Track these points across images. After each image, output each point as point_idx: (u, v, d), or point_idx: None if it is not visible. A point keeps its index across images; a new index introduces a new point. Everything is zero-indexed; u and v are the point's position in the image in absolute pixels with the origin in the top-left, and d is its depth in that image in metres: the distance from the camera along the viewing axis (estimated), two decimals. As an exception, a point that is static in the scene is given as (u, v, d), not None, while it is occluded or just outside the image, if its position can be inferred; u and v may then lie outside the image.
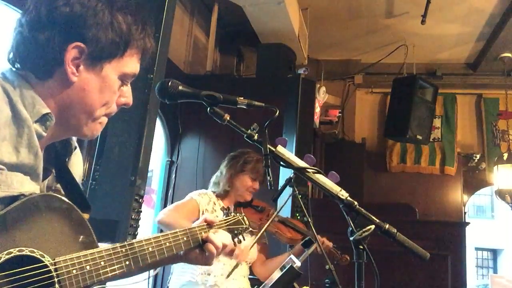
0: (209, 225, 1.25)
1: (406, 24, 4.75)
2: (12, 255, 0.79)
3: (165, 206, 3.95)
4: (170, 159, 4.02)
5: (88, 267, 0.88)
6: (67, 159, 1.03)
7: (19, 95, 0.86)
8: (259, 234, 2.32)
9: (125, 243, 0.98)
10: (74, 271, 0.86)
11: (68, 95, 0.92)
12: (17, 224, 0.82)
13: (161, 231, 3.87)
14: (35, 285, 0.81)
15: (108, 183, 2.00)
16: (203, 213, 2.40)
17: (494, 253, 17.57)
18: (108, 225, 1.93)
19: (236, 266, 2.28)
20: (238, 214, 1.37)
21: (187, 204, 2.40)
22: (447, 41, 5.08)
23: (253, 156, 2.51)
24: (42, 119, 0.88)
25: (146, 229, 3.74)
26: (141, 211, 2.08)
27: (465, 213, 5.56)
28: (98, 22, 0.91)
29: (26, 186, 0.86)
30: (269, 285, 1.76)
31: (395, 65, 5.30)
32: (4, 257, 0.78)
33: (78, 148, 1.07)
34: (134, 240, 1.02)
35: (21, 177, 0.85)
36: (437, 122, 5.43)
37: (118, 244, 0.96)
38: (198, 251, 1.22)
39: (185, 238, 1.15)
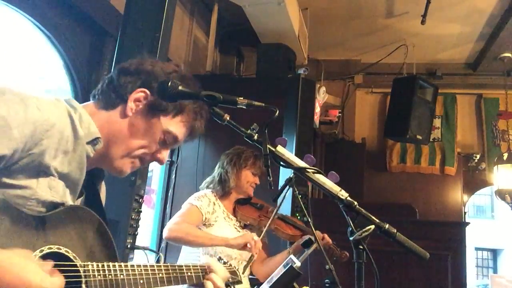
0: (209, 267, 1.32)
1: (406, 24, 4.74)
2: (52, 250, 0.91)
3: (165, 206, 3.95)
4: (170, 159, 4.02)
5: (110, 277, 1.00)
6: (98, 186, 1.19)
7: (78, 118, 1.02)
8: (264, 232, 2.33)
9: (143, 264, 1.11)
10: (99, 277, 0.98)
11: (119, 126, 1.09)
12: (57, 226, 0.95)
13: (160, 238, 3.87)
14: (65, 280, 0.90)
15: (108, 183, 2.00)
16: (205, 216, 2.40)
17: (494, 253, 17.58)
18: (108, 226, 1.93)
19: (251, 259, 2.28)
20: (234, 267, 1.45)
21: (189, 212, 2.39)
22: (447, 41, 5.08)
23: (249, 152, 2.54)
24: (93, 142, 1.04)
25: (146, 229, 3.74)
26: (141, 211, 2.08)
27: (465, 213, 5.56)
28: (167, 84, 1.09)
29: (67, 197, 1.00)
30: (269, 285, 1.76)
31: (395, 65, 5.30)
32: (46, 250, 0.90)
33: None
34: (152, 264, 1.15)
35: (65, 187, 0.99)
36: (437, 122, 5.43)
37: (136, 264, 1.09)
38: None
39: (189, 273, 1.24)
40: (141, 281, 1.07)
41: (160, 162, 1.16)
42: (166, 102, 1.10)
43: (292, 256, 1.86)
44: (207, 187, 2.57)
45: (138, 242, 2.15)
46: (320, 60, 5.55)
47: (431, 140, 5.20)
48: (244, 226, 2.54)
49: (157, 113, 1.11)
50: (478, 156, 5.41)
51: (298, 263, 1.78)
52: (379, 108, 5.73)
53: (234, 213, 2.53)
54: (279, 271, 1.76)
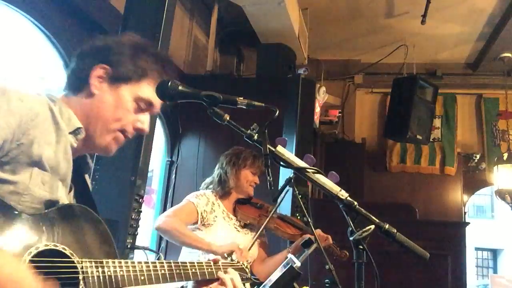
0: (215, 263, 1.29)
1: (406, 24, 4.74)
2: (48, 247, 0.91)
3: (165, 206, 3.95)
4: (170, 159, 4.01)
5: (108, 273, 0.99)
6: (85, 175, 1.20)
7: (58, 110, 1.04)
8: (260, 230, 2.34)
9: (145, 261, 1.10)
10: (97, 273, 0.97)
11: (90, 106, 1.10)
12: (53, 224, 0.94)
13: (161, 238, 3.87)
14: (62, 276, 0.91)
15: (108, 183, 2.00)
16: (201, 215, 2.41)
17: (494, 253, 17.57)
18: (108, 225, 1.93)
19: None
20: (242, 263, 1.40)
21: (184, 208, 2.39)
22: (447, 41, 5.08)
23: (248, 152, 2.55)
24: (75, 132, 1.06)
25: (146, 229, 3.74)
26: (141, 211, 2.08)
27: (465, 213, 5.56)
28: (122, 53, 1.13)
29: (60, 191, 1.01)
30: (269, 285, 1.76)
31: (395, 65, 5.30)
32: (42, 247, 0.90)
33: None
34: (154, 261, 1.13)
35: (58, 182, 1.00)
36: (437, 122, 5.43)
37: (137, 261, 1.08)
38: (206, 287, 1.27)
39: (193, 270, 1.21)
40: (142, 278, 1.05)
41: (142, 130, 1.16)
42: (126, 70, 1.12)
43: (292, 256, 1.86)
44: (207, 187, 2.58)
45: (138, 242, 2.14)
46: (320, 60, 5.55)
47: (431, 140, 5.20)
48: (244, 226, 2.55)
49: (121, 83, 1.12)
50: (478, 156, 5.42)
51: (298, 263, 1.78)
52: (379, 108, 5.73)
53: (234, 212, 2.54)
54: (279, 271, 1.76)
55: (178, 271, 1.15)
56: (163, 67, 1.18)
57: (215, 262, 1.28)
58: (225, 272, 1.28)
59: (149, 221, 3.88)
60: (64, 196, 1.04)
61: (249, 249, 2.33)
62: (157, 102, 1.18)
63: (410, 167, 5.46)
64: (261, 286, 1.84)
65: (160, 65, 1.17)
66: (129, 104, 1.13)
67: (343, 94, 5.68)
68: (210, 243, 2.28)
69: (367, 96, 5.77)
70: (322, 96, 4.77)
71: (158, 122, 3.77)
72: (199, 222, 2.41)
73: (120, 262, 1.02)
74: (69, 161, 1.05)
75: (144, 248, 2.38)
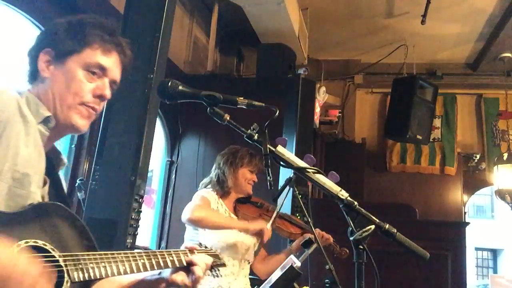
0: (191, 251, 1.31)
1: (406, 24, 4.74)
2: (28, 244, 0.90)
3: (165, 206, 3.95)
4: (170, 159, 4.02)
5: (91, 265, 1.00)
6: (58, 171, 1.19)
7: (25, 102, 1.04)
8: (271, 221, 2.37)
9: (123, 251, 1.11)
10: (80, 266, 0.97)
11: (46, 90, 1.11)
12: (29, 223, 0.94)
13: (160, 238, 3.86)
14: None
15: (108, 183, 2.00)
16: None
17: (494, 253, 17.57)
18: (108, 225, 1.93)
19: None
20: (216, 250, 1.43)
21: (202, 201, 2.42)
22: (447, 41, 5.08)
23: (245, 150, 2.56)
24: (45, 121, 1.06)
25: (146, 229, 3.74)
26: (141, 211, 2.08)
27: (465, 213, 5.56)
28: (58, 31, 1.13)
29: (32, 186, 1.00)
30: (269, 285, 1.76)
31: (395, 65, 5.30)
32: (23, 244, 0.89)
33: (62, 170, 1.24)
34: (133, 251, 1.15)
35: (29, 176, 0.99)
36: (437, 122, 5.43)
37: (116, 252, 1.08)
38: (183, 273, 1.27)
39: (171, 258, 1.23)
40: (123, 268, 1.07)
41: (102, 96, 1.14)
42: (66, 45, 1.12)
43: (292, 256, 1.86)
44: (205, 187, 2.58)
45: (138, 242, 2.14)
46: (320, 60, 5.55)
47: (431, 140, 5.20)
48: (245, 225, 2.56)
49: (66, 58, 1.12)
50: (478, 156, 5.41)
51: (298, 263, 1.78)
52: (379, 108, 5.73)
53: (234, 212, 2.54)
54: (279, 271, 1.76)
55: (156, 259, 1.18)
56: (103, 29, 1.16)
57: (191, 250, 1.31)
58: (189, 261, 1.30)
59: (149, 221, 3.89)
60: (38, 191, 1.03)
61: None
62: (110, 64, 1.16)
63: (410, 167, 5.46)
64: (262, 286, 1.84)
65: (98, 29, 1.15)
66: (79, 74, 1.12)
67: (343, 94, 5.68)
68: (244, 222, 2.36)
69: (367, 96, 5.77)
70: (322, 96, 4.77)
71: (158, 122, 3.77)
72: None
73: (100, 254, 1.03)
74: (41, 153, 1.04)
75: (144, 248, 2.38)
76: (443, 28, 4.78)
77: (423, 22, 4.26)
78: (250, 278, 2.53)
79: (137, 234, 2.08)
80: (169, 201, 3.93)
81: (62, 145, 2.76)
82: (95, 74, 1.14)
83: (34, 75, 1.14)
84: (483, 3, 4.31)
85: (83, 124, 1.13)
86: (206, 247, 1.42)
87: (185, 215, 2.30)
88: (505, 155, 4.99)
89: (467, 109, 5.59)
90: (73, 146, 2.79)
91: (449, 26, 4.75)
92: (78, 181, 2.35)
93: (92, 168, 2.05)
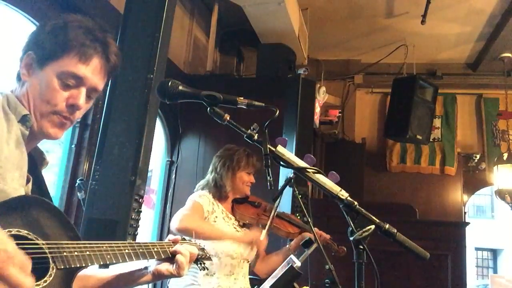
0: (174, 242, 1.32)
1: (406, 24, 4.75)
2: (11, 233, 0.89)
3: (165, 206, 3.95)
4: (170, 159, 4.02)
5: (75, 253, 1.00)
6: (41, 170, 1.19)
7: (6, 101, 1.05)
8: (267, 227, 2.34)
9: (107, 242, 1.11)
10: (65, 253, 0.97)
11: (26, 94, 1.11)
12: (14, 212, 0.93)
13: (160, 238, 3.86)
14: (31, 257, 0.87)
15: (108, 183, 2.00)
16: (205, 215, 2.41)
17: (494, 253, 17.58)
18: (108, 225, 1.93)
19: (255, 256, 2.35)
20: (199, 244, 1.44)
21: (194, 207, 2.38)
22: (447, 41, 5.08)
23: (241, 152, 2.53)
24: (23, 120, 1.06)
25: (146, 229, 3.74)
26: (141, 211, 2.08)
27: (465, 213, 5.56)
28: (41, 33, 1.12)
29: (14, 182, 0.99)
30: (269, 285, 1.76)
31: (395, 65, 5.30)
32: (6, 233, 0.87)
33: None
34: (117, 242, 1.15)
35: (10, 172, 0.99)
36: (437, 122, 5.43)
37: (100, 242, 1.09)
38: (168, 263, 1.29)
39: (155, 249, 1.24)
40: (108, 256, 1.07)
41: (75, 106, 1.11)
42: (47, 49, 1.10)
43: (292, 256, 1.87)
44: (202, 189, 2.56)
45: (138, 242, 2.14)
46: (320, 60, 5.56)
47: (431, 140, 5.20)
48: (243, 225, 2.55)
49: (45, 64, 1.10)
50: (478, 156, 5.41)
51: (298, 263, 1.79)
52: (379, 108, 5.73)
53: (232, 212, 2.54)
54: (279, 271, 1.76)
55: (141, 250, 1.19)
56: (86, 32, 1.12)
57: (175, 241, 1.32)
58: (173, 251, 1.31)
59: (149, 221, 3.89)
60: (20, 187, 1.02)
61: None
62: (88, 73, 1.12)
63: (410, 167, 5.46)
64: (262, 286, 1.84)
65: (81, 33, 1.11)
66: (54, 83, 1.09)
67: (343, 94, 5.68)
68: (234, 235, 2.33)
69: (367, 96, 5.78)
70: (322, 96, 4.77)
71: (158, 122, 3.77)
72: None
73: (84, 243, 1.03)
74: (22, 151, 1.04)
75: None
76: (443, 28, 4.78)
77: (423, 22, 4.26)
78: (250, 278, 2.53)
79: (137, 234, 2.08)
80: (169, 201, 3.93)
81: (62, 145, 2.76)
82: (70, 84, 1.11)
83: (19, 76, 1.14)
84: (483, 3, 4.31)
85: (54, 132, 1.11)
86: (190, 240, 1.42)
87: (173, 224, 2.27)
88: (505, 155, 4.99)
89: (467, 109, 5.59)
90: (73, 146, 2.78)
91: (449, 26, 4.75)
92: (78, 181, 2.34)
93: (92, 168, 2.05)
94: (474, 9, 4.40)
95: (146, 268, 1.29)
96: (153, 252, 1.23)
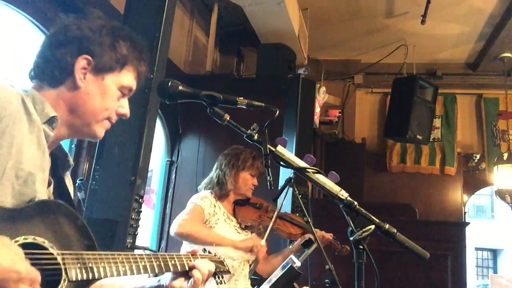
0: (193, 255, 1.29)
1: (406, 24, 4.75)
2: (27, 241, 0.88)
3: (165, 206, 3.95)
4: (170, 159, 4.02)
5: (90, 264, 0.97)
6: (64, 174, 1.18)
7: (31, 101, 1.02)
8: (267, 234, 2.34)
9: (124, 252, 1.09)
10: (78, 265, 0.95)
11: (76, 98, 1.10)
12: (30, 220, 0.92)
13: (160, 238, 3.87)
14: (43, 268, 0.88)
15: (108, 183, 2.00)
16: (206, 217, 2.40)
17: (494, 253, 17.57)
18: (108, 225, 1.93)
19: (255, 263, 2.35)
20: (219, 256, 1.41)
21: (195, 211, 2.38)
22: (447, 41, 5.08)
23: (248, 153, 2.53)
24: (50, 121, 1.04)
25: (146, 229, 3.74)
26: (141, 211, 2.08)
27: (465, 213, 5.56)
28: (102, 43, 1.12)
29: (37, 185, 0.98)
30: (269, 285, 1.76)
31: (395, 65, 5.30)
32: (21, 241, 0.87)
33: (69, 171, 1.22)
34: (134, 253, 1.13)
35: (33, 175, 0.97)
36: (437, 122, 5.43)
37: (116, 252, 1.06)
38: (184, 279, 1.25)
39: (173, 262, 1.21)
40: (123, 269, 1.05)
41: (125, 115, 1.19)
42: (108, 60, 1.13)
43: (292, 256, 1.86)
44: (205, 188, 2.56)
45: (138, 242, 2.14)
46: (320, 60, 5.56)
47: (431, 140, 5.20)
48: (245, 228, 2.54)
49: (105, 73, 1.13)
50: (478, 156, 5.41)
51: (298, 263, 1.78)
52: (379, 108, 5.73)
53: (234, 214, 2.53)
54: (279, 271, 1.76)
55: (158, 262, 1.16)
56: (140, 52, 1.21)
57: (193, 254, 1.29)
58: (191, 266, 1.27)
59: (149, 221, 3.89)
60: (43, 191, 1.01)
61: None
62: (135, 87, 1.21)
63: (410, 167, 5.46)
64: (262, 286, 1.84)
65: (137, 50, 1.20)
66: (114, 94, 1.15)
67: (343, 94, 5.68)
68: (233, 240, 2.32)
69: (367, 96, 5.78)
70: (322, 96, 4.77)
71: (158, 122, 3.77)
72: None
73: (100, 254, 1.01)
74: (45, 153, 1.02)
75: (144, 248, 2.38)
76: (443, 28, 4.78)
77: (423, 22, 4.26)
78: (250, 278, 2.53)
79: (137, 234, 2.08)
80: (169, 201, 3.93)
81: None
82: (125, 94, 1.19)
83: (62, 78, 1.10)
84: (483, 3, 4.31)
85: (101, 134, 1.17)
86: (210, 252, 1.39)
87: (173, 229, 2.29)
88: (505, 155, 4.99)
89: (467, 109, 5.59)
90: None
91: (449, 26, 4.75)
92: (78, 181, 2.35)
93: (92, 168, 2.05)
94: (474, 9, 4.40)
95: (159, 281, 1.25)
96: (170, 265, 1.19)
